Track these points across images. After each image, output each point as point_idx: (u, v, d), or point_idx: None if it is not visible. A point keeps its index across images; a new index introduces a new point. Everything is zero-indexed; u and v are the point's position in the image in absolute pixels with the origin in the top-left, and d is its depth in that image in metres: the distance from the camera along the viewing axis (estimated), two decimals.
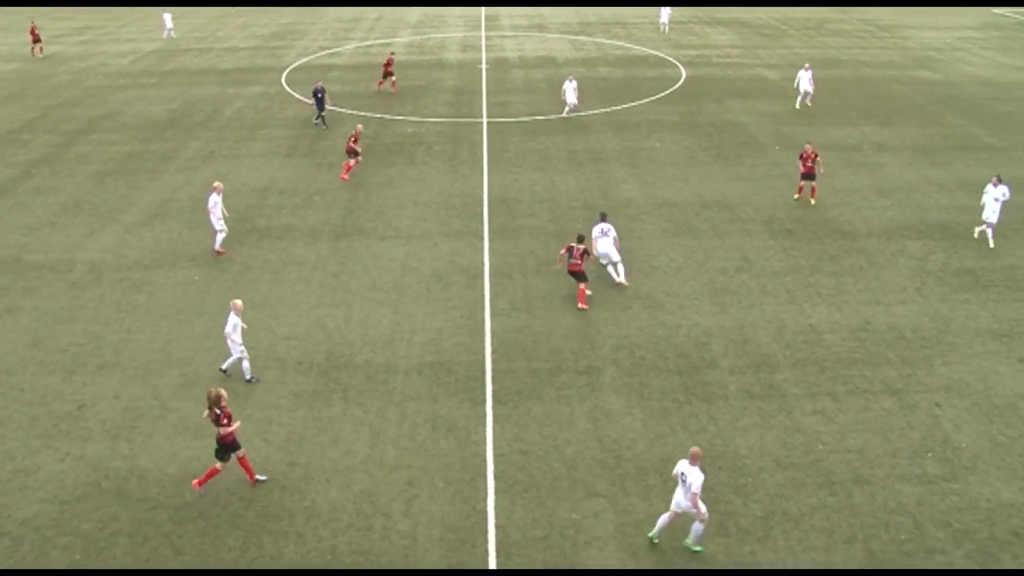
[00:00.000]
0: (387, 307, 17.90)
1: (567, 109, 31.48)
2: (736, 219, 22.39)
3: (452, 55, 43.29)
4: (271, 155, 27.48)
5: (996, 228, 21.10)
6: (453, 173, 25.65)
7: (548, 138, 29.10)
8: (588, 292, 17.87)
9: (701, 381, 15.37)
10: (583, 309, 17.60)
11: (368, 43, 46.87)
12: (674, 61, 41.76)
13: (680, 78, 38.02)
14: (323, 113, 29.93)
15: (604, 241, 18.27)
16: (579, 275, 17.73)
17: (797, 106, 33.14)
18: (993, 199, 20.79)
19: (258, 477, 12.83)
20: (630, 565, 11.40)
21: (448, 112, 32.26)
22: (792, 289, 18.69)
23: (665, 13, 51.79)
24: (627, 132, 29.77)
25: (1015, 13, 60.50)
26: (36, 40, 42.81)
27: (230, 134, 29.96)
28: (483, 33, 49.70)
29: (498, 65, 40.41)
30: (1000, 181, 21.03)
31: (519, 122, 30.97)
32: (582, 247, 17.62)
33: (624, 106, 33.10)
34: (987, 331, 17.00)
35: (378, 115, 31.83)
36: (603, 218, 18.88)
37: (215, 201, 19.77)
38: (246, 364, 15.18)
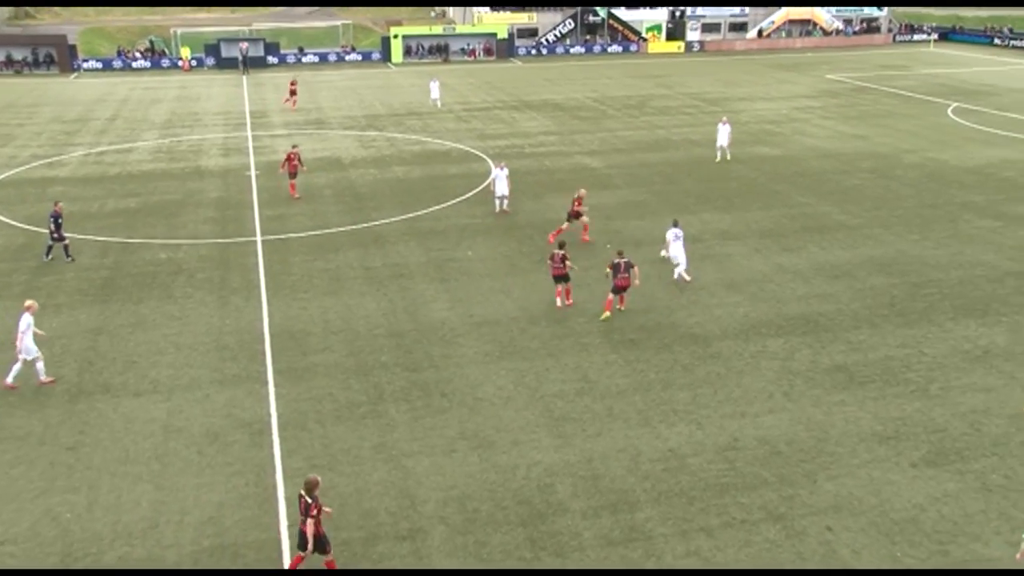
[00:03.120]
0: (146, 483, 17.18)
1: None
2: (570, 333, 23.59)
3: (212, 161, 43.47)
4: None
5: (865, 316, 23.72)
6: (224, 306, 25.45)
7: (339, 255, 29.63)
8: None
9: (550, 531, 15.78)
10: (569, 305, 25.16)
11: (100, 149, 46.15)
12: (480, 154, 44.16)
13: (489, 174, 40.08)
14: (65, 242, 28.95)
15: (676, 245, 26.21)
16: (562, 278, 24.95)
17: (717, 159, 42.07)
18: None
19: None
20: None
21: (212, 231, 32.16)
22: (643, 409, 19.78)
23: (434, 88, 56.96)
24: (433, 241, 30.91)
25: (849, 78, 69.40)
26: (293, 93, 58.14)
27: None
28: (249, 133, 50.41)
29: (271, 170, 40.94)
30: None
31: (302, 238, 31.37)
32: (561, 252, 24.69)
33: (427, 210, 34.43)
34: (871, 435, 18.63)
35: (119, 239, 31.17)
36: (675, 224, 26.89)
37: (28, 324, 20.73)
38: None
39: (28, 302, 21.48)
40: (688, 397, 20.23)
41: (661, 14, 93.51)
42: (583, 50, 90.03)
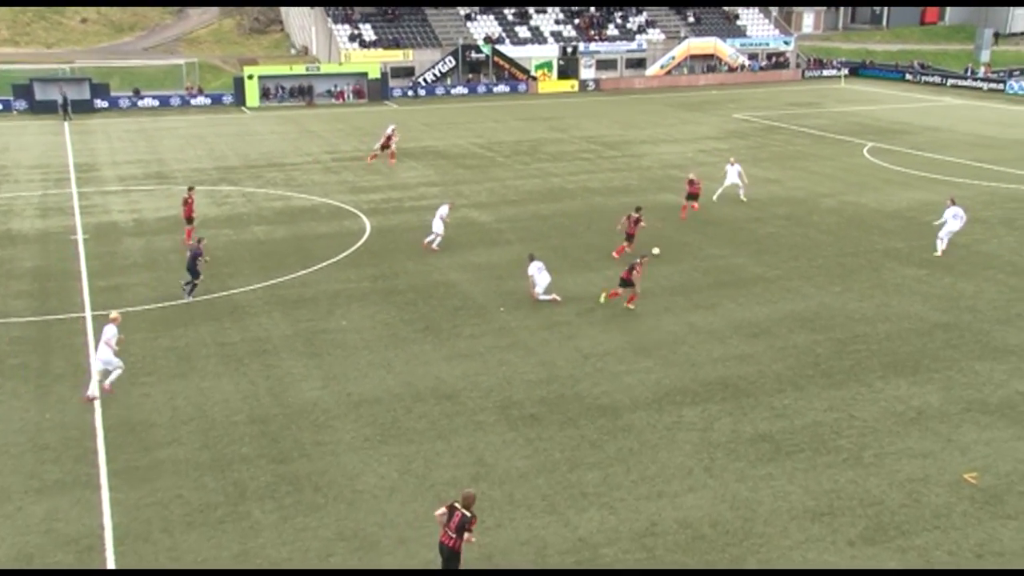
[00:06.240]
0: None
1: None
2: (462, 410, 23.45)
3: (27, 223, 42.07)
4: None
5: (789, 377, 24.33)
6: (43, 397, 24.40)
7: (188, 330, 28.90)
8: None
9: None
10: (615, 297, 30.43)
11: None
12: (353, 210, 44.03)
13: (364, 232, 40.08)
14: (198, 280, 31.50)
15: (543, 276, 30.73)
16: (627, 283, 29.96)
17: (742, 197, 44.80)
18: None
19: None
20: None
21: (27, 307, 30.98)
22: (548, 493, 19.67)
23: (390, 129, 56.19)
24: (301, 310, 30.50)
25: (757, 117, 72.03)
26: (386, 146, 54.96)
27: None
28: (74, 190, 49.10)
29: (102, 233, 39.90)
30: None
31: (142, 312, 30.50)
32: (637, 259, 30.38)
33: (293, 275, 34.02)
34: (803, 511, 18.91)
35: None
36: (532, 258, 31.25)
37: (112, 334, 23.90)
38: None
39: (113, 314, 24.86)
40: (598, 477, 20.22)
41: (552, 50, 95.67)
42: (466, 90, 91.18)
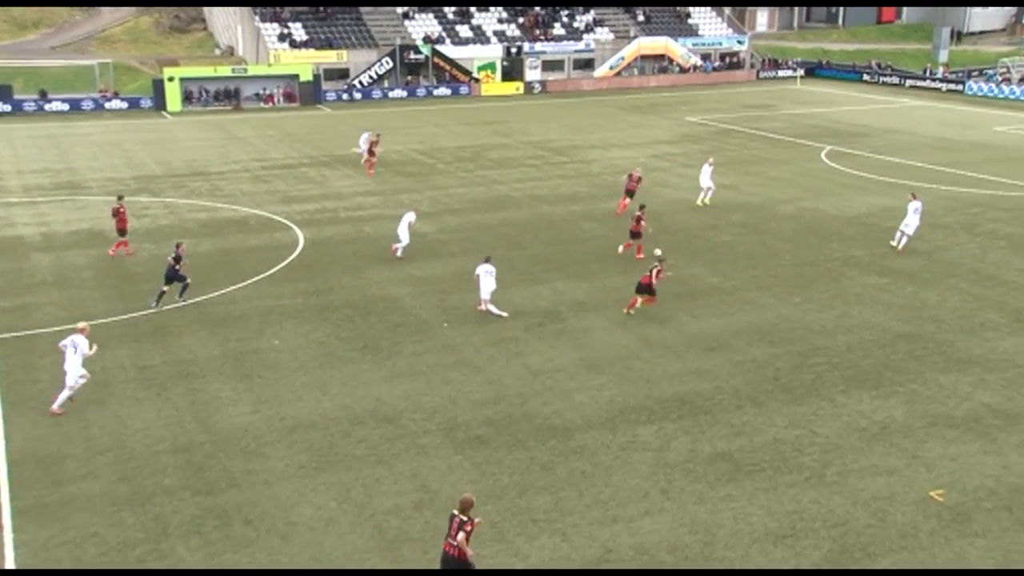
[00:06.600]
0: None
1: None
2: (404, 433, 23.30)
3: None
4: None
5: (748, 393, 24.37)
6: None
7: (105, 352, 28.30)
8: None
9: None
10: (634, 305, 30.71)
11: None
12: (285, 221, 43.73)
13: (297, 244, 39.83)
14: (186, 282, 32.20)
15: (488, 280, 30.58)
16: (647, 289, 30.51)
17: (698, 203, 45.91)
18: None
19: None
20: None
21: None
22: (497, 520, 19.56)
23: (363, 141, 56.25)
24: (229, 329, 30.19)
25: (711, 120, 72.73)
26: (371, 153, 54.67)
27: None
28: None
29: (6, 249, 39.20)
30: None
31: (52, 333, 29.82)
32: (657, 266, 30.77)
33: (220, 292, 33.68)
34: (764, 534, 18.98)
35: None
36: (487, 260, 31.06)
37: (85, 345, 24.47)
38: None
39: (81, 324, 25.30)
40: (549, 502, 20.17)
41: (495, 51, 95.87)
42: (405, 93, 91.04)
